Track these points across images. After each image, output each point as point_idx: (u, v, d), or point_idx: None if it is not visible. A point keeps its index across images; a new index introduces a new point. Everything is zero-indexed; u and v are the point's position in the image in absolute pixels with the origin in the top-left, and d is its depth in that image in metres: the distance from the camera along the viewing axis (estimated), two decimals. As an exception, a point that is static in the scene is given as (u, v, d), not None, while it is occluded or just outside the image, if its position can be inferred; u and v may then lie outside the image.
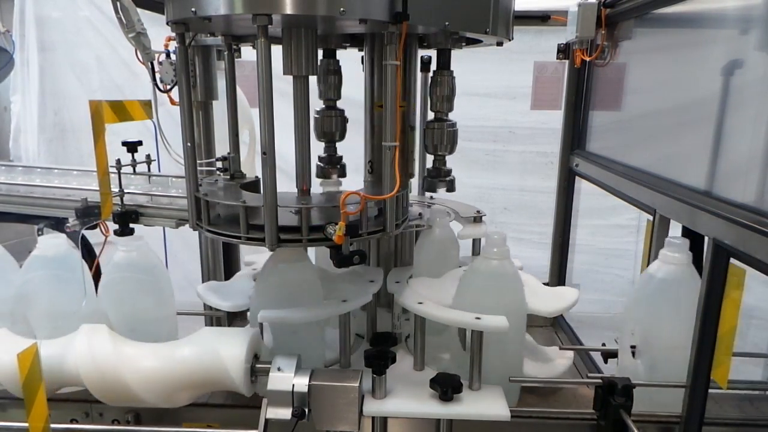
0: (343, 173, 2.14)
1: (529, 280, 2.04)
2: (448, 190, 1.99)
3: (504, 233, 1.70)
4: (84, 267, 1.91)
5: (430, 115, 1.96)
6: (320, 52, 1.96)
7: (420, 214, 2.10)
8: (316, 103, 1.75)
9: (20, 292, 1.85)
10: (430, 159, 2.08)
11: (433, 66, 1.97)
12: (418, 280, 1.94)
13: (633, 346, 1.75)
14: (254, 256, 2.29)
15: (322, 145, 2.14)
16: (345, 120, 2.05)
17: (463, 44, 1.95)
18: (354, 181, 2.02)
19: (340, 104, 2.10)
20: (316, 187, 1.81)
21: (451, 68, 1.92)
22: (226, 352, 1.54)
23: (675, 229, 1.91)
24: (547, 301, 1.84)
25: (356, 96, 1.97)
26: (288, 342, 1.75)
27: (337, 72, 2.04)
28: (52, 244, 1.85)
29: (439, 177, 1.97)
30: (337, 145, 2.16)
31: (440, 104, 1.90)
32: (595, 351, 2.14)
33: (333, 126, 2.03)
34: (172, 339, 1.76)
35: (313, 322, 1.72)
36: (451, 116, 1.98)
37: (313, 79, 1.68)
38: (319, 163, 2.11)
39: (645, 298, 1.74)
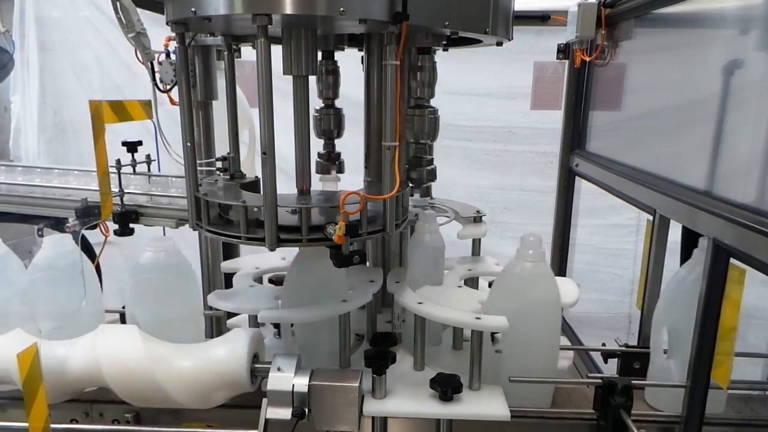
0: (341, 169, 2.19)
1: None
2: (427, 180, 1.88)
3: (539, 235, 1.70)
4: (88, 267, 1.92)
5: (410, 102, 1.85)
6: (319, 53, 1.97)
7: (417, 215, 2.10)
8: (316, 102, 1.75)
9: (26, 292, 1.86)
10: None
11: (444, 77, 1.86)
12: (425, 289, 1.89)
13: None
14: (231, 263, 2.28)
15: (322, 144, 2.16)
16: (342, 118, 2.11)
17: (444, 43, 1.88)
18: (353, 180, 2.01)
19: (339, 103, 2.11)
20: (317, 186, 1.81)
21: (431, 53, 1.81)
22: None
23: (675, 229, 1.91)
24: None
25: (356, 96, 1.97)
26: (312, 340, 1.78)
27: (335, 72, 2.09)
28: (59, 244, 1.86)
29: (419, 166, 1.86)
30: (338, 145, 2.17)
31: (421, 90, 1.79)
32: (595, 351, 2.14)
33: (331, 124, 2.09)
34: (199, 340, 1.77)
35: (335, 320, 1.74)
36: (452, 116, 1.97)
37: (312, 79, 1.68)
38: (318, 159, 2.15)
39: (677, 299, 1.74)
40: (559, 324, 1.76)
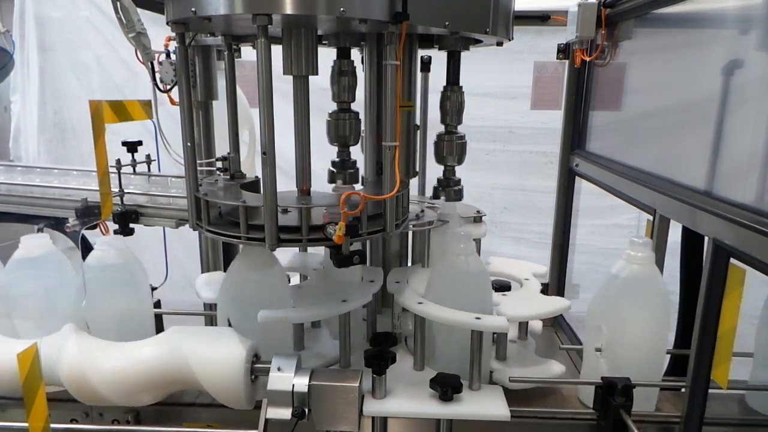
0: (354, 179, 1.99)
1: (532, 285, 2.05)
2: (456, 199, 2.07)
3: (647, 239, 1.72)
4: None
5: (441, 128, 2.03)
6: (332, 51, 1.91)
7: (422, 210, 2.10)
8: (315, 104, 1.75)
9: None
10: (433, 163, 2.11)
11: (438, 70, 2.01)
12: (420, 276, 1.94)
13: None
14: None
15: (322, 145, 2.11)
16: (359, 123, 1.92)
17: (472, 44, 1.95)
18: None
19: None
20: (317, 186, 1.80)
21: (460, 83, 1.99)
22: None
23: (675, 229, 1.91)
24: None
25: (356, 96, 1.96)
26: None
27: (352, 73, 1.89)
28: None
29: (448, 186, 2.05)
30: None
31: (450, 118, 1.99)
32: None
33: (347, 129, 1.90)
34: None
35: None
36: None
37: (315, 79, 1.67)
38: (331, 168, 1.97)
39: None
40: (666, 327, 1.75)
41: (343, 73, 1.87)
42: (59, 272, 1.90)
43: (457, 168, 2.07)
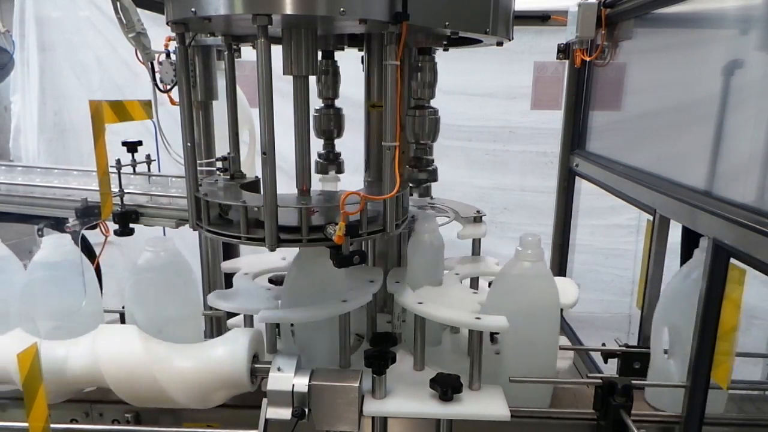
0: (340, 169, 2.18)
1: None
2: (428, 180, 1.90)
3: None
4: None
5: (411, 103, 1.86)
6: (319, 53, 1.96)
7: (414, 216, 2.10)
8: (315, 102, 1.75)
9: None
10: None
11: (443, 77, 1.86)
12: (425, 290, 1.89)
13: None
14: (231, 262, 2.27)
15: (322, 144, 2.15)
16: (342, 117, 2.11)
17: (444, 43, 1.89)
18: (354, 180, 2.01)
19: (339, 103, 2.10)
20: (317, 185, 1.81)
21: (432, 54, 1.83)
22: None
23: (675, 229, 1.91)
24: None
25: (356, 96, 1.97)
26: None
27: (335, 72, 2.08)
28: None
29: (419, 167, 1.86)
30: (338, 144, 2.17)
31: (422, 91, 1.78)
32: (595, 351, 2.14)
33: (331, 123, 2.08)
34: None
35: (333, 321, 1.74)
36: (452, 116, 1.98)
37: (312, 79, 1.67)
38: (318, 159, 2.15)
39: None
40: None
41: (327, 71, 2.03)
42: (79, 273, 1.90)
43: (457, 168, 2.06)
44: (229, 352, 1.58)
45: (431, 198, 2.29)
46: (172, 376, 1.57)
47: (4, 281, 1.92)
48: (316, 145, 1.94)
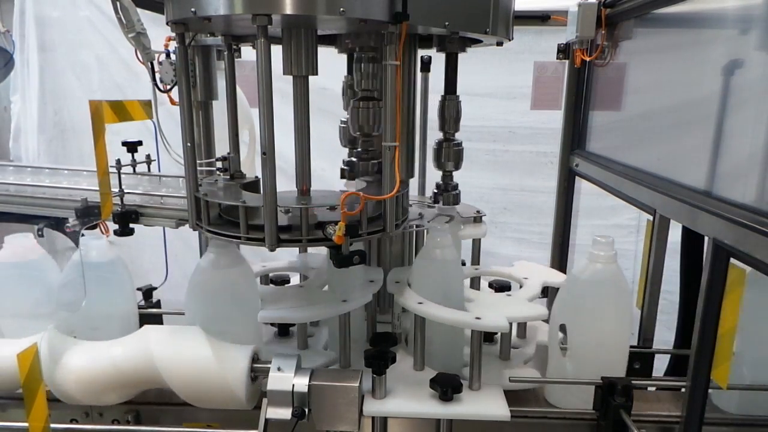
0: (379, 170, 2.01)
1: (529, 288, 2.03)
2: (453, 203, 2.15)
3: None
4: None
5: (439, 135, 2.10)
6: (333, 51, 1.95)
7: (420, 213, 2.11)
8: (315, 104, 1.75)
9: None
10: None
11: (438, 70, 2.04)
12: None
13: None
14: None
15: (321, 145, 2.14)
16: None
17: (469, 45, 1.97)
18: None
19: (338, 103, 2.10)
20: (317, 186, 1.80)
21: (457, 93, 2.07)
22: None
23: (675, 229, 1.91)
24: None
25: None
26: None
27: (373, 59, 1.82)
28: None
29: (446, 191, 2.14)
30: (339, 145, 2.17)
31: (448, 125, 2.06)
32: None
33: (370, 118, 1.80)
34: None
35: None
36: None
37: (315, 80, 1.66)
38: (343, 167, 2.06)
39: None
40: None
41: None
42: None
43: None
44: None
45: (431, 198, 2.30)
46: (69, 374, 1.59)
47: (39, 281, 1.93)
48: (317, 147, 1.89)
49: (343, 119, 2.12)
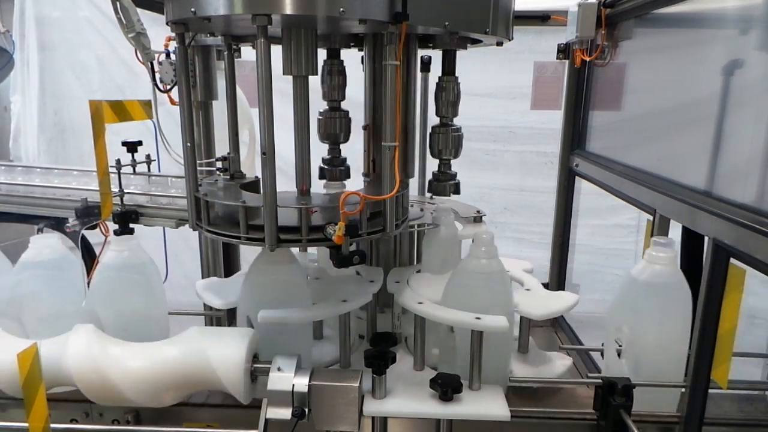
0: (347, 175, 2.09)
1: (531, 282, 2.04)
2: (453, 193, 2.03)
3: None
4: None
5: (435, 120, 1.99)
6: (324, 52, 1.94)
7: (422, 209, 2.11)
8: (315, 104, 1.75)
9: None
10: (433, 161, 2.09)
11: (438, 71, 1.98)
12: (418, 276, 1.97)
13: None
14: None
15: (321, 145, 2.13)
16: (349, 121, 1.99)
17: (468, 44, 1.96)
18: (357, 181, 2.01)
19: (344, 105, 2.09)
20: (316, 187, 1.81)
21: (456, 74, 1.94)
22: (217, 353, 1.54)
23: (675, 229, 1.91)
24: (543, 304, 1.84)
25: (356, 96, 1.96)
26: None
27: (341, 72, 1.97)
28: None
29: (444, 180, 2.01)
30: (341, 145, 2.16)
31: (445, 109, 1.93)
32: (595, 351, 2.14)
33: (336, 127, 1.97)
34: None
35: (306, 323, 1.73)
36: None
37: (316, 80, 1.67)
38: (322, 165, 2.06)
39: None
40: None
41: (333, 72, 1.93)
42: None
43: (457, 168, 2.06)
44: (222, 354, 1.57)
45: (431, 197, 2.30)
46: (125, 376, 1.54)
47: (67, 280, 1.90)
48: (316, 148, 1.90)
49: (320, 111, 2.02)
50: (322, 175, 2.07)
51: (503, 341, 1.70)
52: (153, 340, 1.63)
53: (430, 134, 1.98)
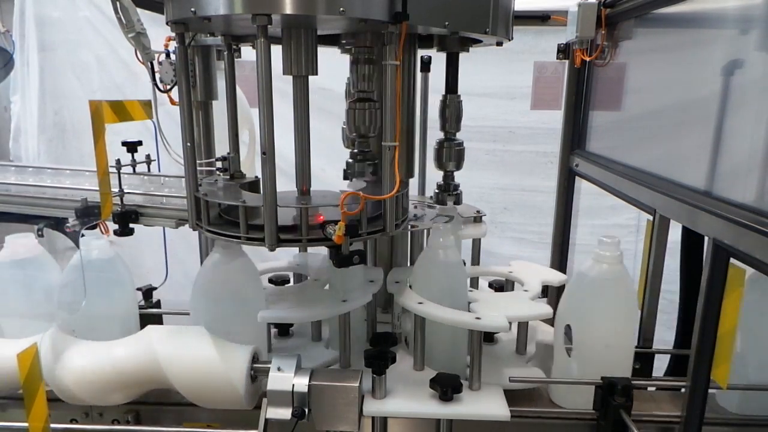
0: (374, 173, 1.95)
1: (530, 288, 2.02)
2: (455, 203, 2.16)
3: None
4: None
5: (436, 120, 2.10)
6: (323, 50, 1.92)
7: (415, 215, 2.11)
8: (315, 104, 1.74)
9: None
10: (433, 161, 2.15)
11: (438, 71, 2.06)
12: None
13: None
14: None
15: (321, 145, 2.14)
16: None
17: (471, 45, 1.98)
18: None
19: (339, 103, 2.10)
20: (316, 186, 1.80)
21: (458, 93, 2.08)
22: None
23: (675, 229, 1.91)
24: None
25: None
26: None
27: (369, 62, 1.77)
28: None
29: (447, 191, 2.17)
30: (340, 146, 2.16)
31: (450, 125, 2.08)
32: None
33: (367, 119, 1.78)
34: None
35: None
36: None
37: (315, 80, 1.66)
38: (349, 160, 1.93)
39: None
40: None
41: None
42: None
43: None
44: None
45: (431, 198, 2.30)
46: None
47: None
48: (316, 148, 1.88)
49: (345, 121, 2.09)
50: (346, 176, 1.97)
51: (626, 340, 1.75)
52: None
53: (435, 148, 2.12)
